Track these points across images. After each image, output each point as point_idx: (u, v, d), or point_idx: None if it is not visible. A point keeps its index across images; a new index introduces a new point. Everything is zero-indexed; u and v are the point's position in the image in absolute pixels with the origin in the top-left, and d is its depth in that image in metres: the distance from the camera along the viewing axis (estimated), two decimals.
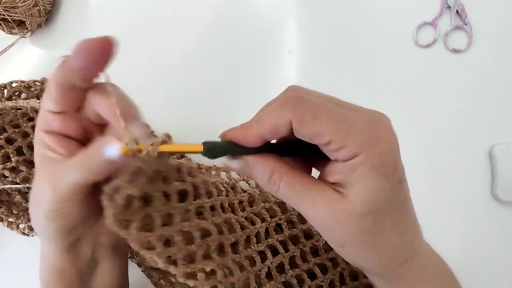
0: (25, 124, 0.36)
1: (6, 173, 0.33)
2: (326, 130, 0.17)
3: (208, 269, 0.22)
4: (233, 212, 0.30)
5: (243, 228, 0.29)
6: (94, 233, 0.24)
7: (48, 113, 0.21)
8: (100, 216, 0.23)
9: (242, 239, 0.28)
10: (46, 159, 0.22)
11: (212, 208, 0.26)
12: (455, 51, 0.37)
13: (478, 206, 0.34)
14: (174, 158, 0.38)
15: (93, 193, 0.22)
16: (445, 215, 0.35)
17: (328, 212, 0.18)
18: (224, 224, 0.26)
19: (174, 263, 0.21)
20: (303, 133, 0.18)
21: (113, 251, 0.26)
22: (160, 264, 0.20)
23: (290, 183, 0.19)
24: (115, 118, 0.20)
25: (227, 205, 0.29)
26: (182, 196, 0.24)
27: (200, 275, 0.22)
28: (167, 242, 0.21)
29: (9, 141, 0.35)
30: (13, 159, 0.33)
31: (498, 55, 0.36)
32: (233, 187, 0.33)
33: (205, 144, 0.19)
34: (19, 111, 0.36)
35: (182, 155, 0.39)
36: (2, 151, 0.34)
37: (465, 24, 0.37)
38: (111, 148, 0.19)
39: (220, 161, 0.35)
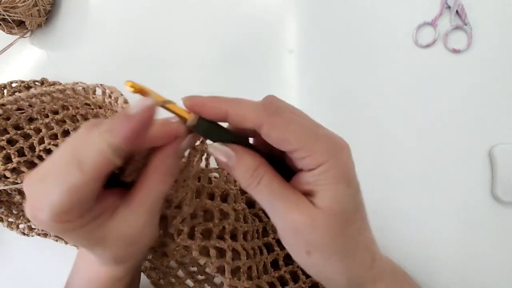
0: (27, 127, 0.36)
1: (7, 174, 0.33)
2: (294, 138, 0.18)
3: (220, 248, 0.24)
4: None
5: (252, 221, 0.31)
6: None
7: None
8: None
9: (251, 231, 0.29)
10: (100, 228, 0.19)
11: (235, 196, 0.28)
12: (455, 51, 0.37)
13: (478, 206, 0.34)
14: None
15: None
16: (445, 215, 0.35)
17: (300, 215, 0.19)
18: (242, 212, 0.28)
19: (191, 236, 0.22)
20: (273, 137, 0.19)
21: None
22: (184, 233, 0.22)
23: (271, 181, 0.20)
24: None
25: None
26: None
27: (212, 252, 0.23)
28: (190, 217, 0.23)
29: (10, 142, 0.35)
30: (14, 160, 0.33)
31: (498, 55, 0.36)
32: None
33: (200, 118, 0.20)
34: (23, 114, 0.36)
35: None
36: (4, 152, 0.34)
37: (465, 24, 0.37)
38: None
39: None
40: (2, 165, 0.33)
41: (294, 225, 0.19)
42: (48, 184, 0.17)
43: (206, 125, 0.20)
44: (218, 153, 0.20)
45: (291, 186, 0.21)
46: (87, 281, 0.24)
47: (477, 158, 0.35)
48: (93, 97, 0.38)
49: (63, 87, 0.35)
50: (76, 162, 0.16)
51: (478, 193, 0.34)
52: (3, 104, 0.34)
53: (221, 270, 0.24)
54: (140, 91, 0.18)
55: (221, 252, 0.24)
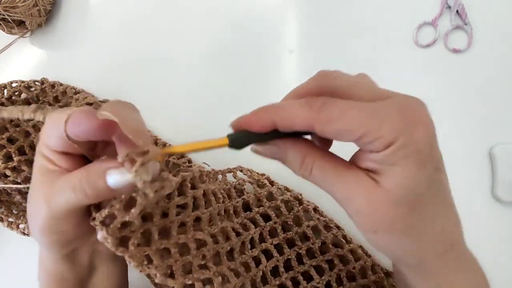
0: (26, 124, 0.36)
1: (8, 172, 0.33)
2: (357, 125, 0.16)
3: (204, 278, 0.22)
4: (228, 218, 0.30)
5: (238, 235, 0.29)
6: (91, 243, 0.24)
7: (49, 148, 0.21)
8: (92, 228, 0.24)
9: (237, 246, 0.28)
10: (45, 170, 0.21)
11: (210, 218, 0.26)
12: (455, 51, 0.37)
13: (478, 206, 0.34)
14: (174, 159, 0.38)
15: (88, 210, 0.22)
16: None
17: (362, 198, 0.18)
18: (220, 233, 0.26)
19: (172, 275, 0.21)
20: (329, 133, 0.17)
21: (111, 256, 0.26)
22: (158, 278, 0.20)
23: (323, 167, 0.19)
24: (128, 141, 0.18)
25: (223, 212, 0.29)
26: (180, 205, 0.24)
27: (198, 285, 0.22)
28: (164, 256, 0.21)
29: (11, 140, 0.35)
30: (15, 159, 0.33)
31: (498, 55, 0.36)
32: (228, 193, 0.33)
33: (229, 136, 0.19)
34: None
35: (182, 155, 0.39)
36: (4, 150, 0.34)
37: (465, 24, 0.37)
38: (114, 176, 0.18)
39: (223, 163, 0.35)
40: (2, 163, 0.33)
41: (356, 207, 0.18)
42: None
43: (240, 137, 0.19)
44: (264, 154, 0.20)
45: (350, 164, 0.19)
46: (39, 265, 0.25)
47: (477, 158, 0.35)
48: (76, 100, 0.39)
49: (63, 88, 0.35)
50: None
51: (478, 193, 0.34)
52: (2, 103, 0.34)
53: None
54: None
55: (207, 281, 0.23)
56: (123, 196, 0.19)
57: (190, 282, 0.22)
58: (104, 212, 0.19)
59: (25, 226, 0.38)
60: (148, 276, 0.37)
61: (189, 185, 0.24)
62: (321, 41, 0.41)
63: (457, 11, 0.37)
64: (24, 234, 0.38)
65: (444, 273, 0.20)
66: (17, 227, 0.38)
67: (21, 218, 0.39)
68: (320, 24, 0.41)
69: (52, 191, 0.20)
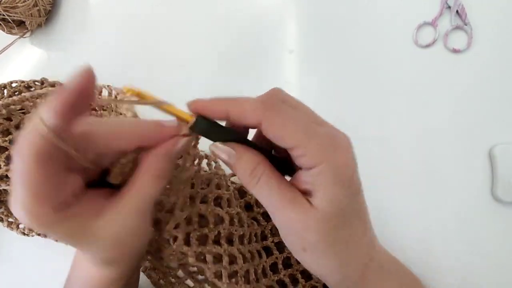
0: None
1: (10, 174, 0.33)
2: (290, 135, 0.19)
3: (216, 253, 0.24)
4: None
5: (249, 225, 0.30)
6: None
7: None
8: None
9: (247, 234, 0.29)
10: (85, 226, 0.19)
11: (228, 200, 0.28)
12: (455, 51, 0.37)
13: (478, 206, 0.34)
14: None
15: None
16: (445, 215, 0.35)
17: (295, 215, 0.19)
18: (236, 216, 0.28)
19: (187, 243, 0.22)
20: (270, 134, 0.19)
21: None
22: (178, 242, 0.22)
23: (270, 179, 0.20)
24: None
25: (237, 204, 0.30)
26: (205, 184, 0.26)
27: (209, 257, 0.23)
28: (185, 223, 0.23)
29: (13, 143, 0.35)
30: None
31: (498, 55, 0.36)
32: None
33: (198, 117, 0.20)
34: (25, 115, 0.36)
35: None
36: (6, 152, 0.34)
37: (465, 24, 0.37)
38: (177, 147, 0.20)
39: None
40: (4, 165, 0.33)
41: (290, 223, 0.20)
42: (13, 186, 0.17)
43: (205, 124, 0.20)
44: (219, 151, 0.21)
45: (291, 183, 0.21)
46: (81, 280, 0.24)
47: (477, 158, 0.35)
48: (99, 98, 0.38)
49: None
50: (18, 152, 0.16)
51: (478, 193, 0.34)
52: (7, 105, 0.34)
53: (218, 275, 0.24)
54: (137, 95, 0.19)
55: (217, 257, 0.24)
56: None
57: (202, 251, 0.23)
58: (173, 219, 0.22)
59: (25, 226, 0.38)
60: (149, 276, 0.37)
61: (214, 163, 0.27)
62: (321, 41, 0.41)
63: (457, 11, 0.37)
64: (24, 234, 0.38)
65: (368, 285, 0.22)
66: (17, 227, 0.38)
67: None
68: (320, 24, 0.41)
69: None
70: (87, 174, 0.20)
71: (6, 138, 0.34)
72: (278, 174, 0.21)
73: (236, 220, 0.27)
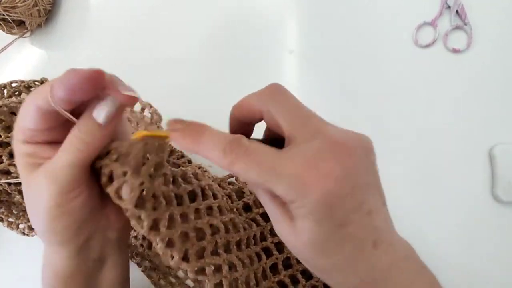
0: None
1: (12, 169, 0.33)
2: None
3: (215, 264, 0.23)
4: (234, 214, 0.30)
5: (244, 229, 0.30)
6: (102, 229, 0.24)
7: (29, 130, 0.20)
8: (106, 210, 0.23)
9: (244, 239, 0.29)
10: (34, 166, 0.20)
11: (218, 208, 0.27)
12: (455, 51, 0.37)
13: (478, 206, 0.34)
14: (175, 159, 0.38)
15: (93, 184, 0.21)
16: (445, 215, 0.35)
17: (284, 231, 0.19)
18: (230, 223, 0.27)
19: (186, 259, 0.22)
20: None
21: (118, 246, 0.26)
22: (175, 260, 0.21)
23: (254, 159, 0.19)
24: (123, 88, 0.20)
25: (228, 208, 0.30)
26: (190, 198, 0.25)
27: (209, 270, 0.23)
28: (182, 239, 0.22)
29: None
30: None
31: (498, 55, 0.36)
32: (230, 195, 0.33)
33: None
34: None
35: (182, 155, 0.39)
36: (9, 148, 0.34)
37: (465, 24, 0.37)
38: (101, 108, 0.19)
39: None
40: (7, 160, 0.33)
41: (281, 235, 0.20)
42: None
43: None
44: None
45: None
46: (45, 268, 0.24)
47: (477, 158, 0.35)
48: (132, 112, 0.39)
49: None
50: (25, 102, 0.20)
51: (478, 193, 0.34)
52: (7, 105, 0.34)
53: (218, 285, 0.23)
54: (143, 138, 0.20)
55: (217, 267, 0.24)
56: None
57: (201, 266, 0.22)
58: (118, 181, 0.19)
59: (25, 226, 0.38)
60: (148, 276, 0.37)
61: (192, 176, 0.25)
62: (321, 41, 0.41)
63: (456, 11, 0.37)
64: (24, 234, 0.38)
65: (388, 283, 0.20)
66: (17, 227, 0.38)
67: (21, 218, 0.39)
68: (320, 24, 0.41)
69: (50, 166, 0.20)
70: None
71: (9, 134, 0.34)
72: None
73: (230, 227, 0.27)
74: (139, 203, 0.20)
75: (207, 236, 0.24)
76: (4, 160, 0.32)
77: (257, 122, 0.23)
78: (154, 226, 0.20)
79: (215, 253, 0.24)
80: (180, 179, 0.25)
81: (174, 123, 0.20)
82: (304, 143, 0.18)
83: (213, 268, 0.23)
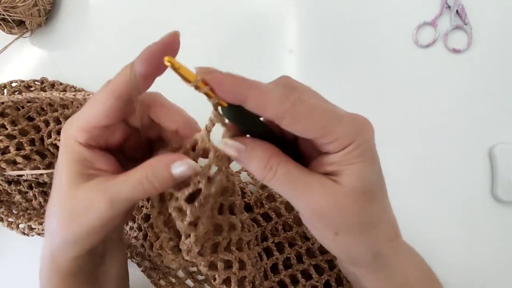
0: (37, 119, 0.37)
1: (19, 159, 0.34)
2: (320, 126, 0.18)
3: (227, 260, 0.24)
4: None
5: (249, 230, 0.30)
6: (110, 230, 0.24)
7: (97, 128, 0.20)
8: None
9: (253, 238, 0.29)
10: (84, 177, 0.20)
11: (240, 206, 0.27)
12: (455, 51, 0.37)
13: (478, 206, 0.34)
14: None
15: None
16: (445, 215, 0.35)
17: (325, 198, 0.19)
18: (245, 222, 0.27)
19: (201, 253, 0.22)
20: (296, 128, 0.18)
21: (118, 242, 0.26)
22: (193, 252, 0.21)
23: (287, 169, 0.19)
24: (187, 130, 0.21)
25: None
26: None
27: (220, 265, 0.23)
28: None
29: (21, 133, 0.36)
30: (26, 148, 0.35)
31: (498, 55, 0.36)
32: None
33: (230, 105, 0.19)
34: (34, 104, 0.36)
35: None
36: (16, 140, 0.35)
37: (465, 24, 0.37)
38: (180, 166, 0.19)
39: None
40: (14, 150, 0.33)
41: (319, 209, 0.19)
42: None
43: (236, 112, 0.19)
44: (229, 149, 0.20)
45: (310, 169, 0.20)
46: (46, 266, 0.24)
47: (477, 158, 0.35)
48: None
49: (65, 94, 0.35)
50: (105, 85, 0.20)
51: (478, 193, 0.34)
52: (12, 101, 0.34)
53: (226, 282, 0.24)
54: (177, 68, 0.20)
55: (227, 264, 0.24)
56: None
57: (214, 260, 0.23)
58: (188, 190, 0.20)
59: (25, 226, 0.38)
60: (148, 276, 0.37)
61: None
62: (321, 41, 0.41)
63: (457, 11, 0.37)
64: (24, 234, 0.38)
65: (395, 260, 0.22)
66: (17, 227, 0.38)
67: (21, 218, 0.39)
68: (320, 24, 0.41)
69: (113, 190, 0.20)
70: (128, 139, 0.23)
71: (15, 128, 0.35)
72: (295, 162, 0.20)
73: (245, 226, 0.27)
74: (189, 199, 0.20)
75: (223, 233, 0.24)
76: (12, 151, 0.33)
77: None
78: (194, 222, 0.21)
79: (227, 249, 0.25)
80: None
81: (235, 144, 0.20)
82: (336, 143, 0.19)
83: (224, 262, 0.23)
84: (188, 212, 0.20)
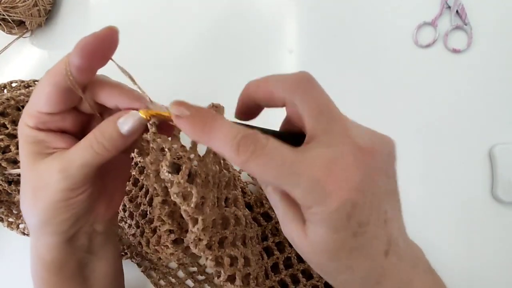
0: None
1: (19, 158, 0.34)
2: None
3: (233, 255, 0.23)
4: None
5: (251, 227, 0.30)
6: (91, 221, 0.24)
7: (42, 114, 0.20)
8: (97, 203, 0.24)
9: (255, 236, 0.29)
10: (41, 155, 0.21)
11: (242, 201, 0.27)
12: (455, 51, 0.37)
13: (478, 206, 0.34)
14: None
15: (95, 180, 0.22)
16: (445, 215, 0.35)
17: (295, 236, 0.19)
18: (248, 217, 0.28)
19: (209, 246, 0.22)
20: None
21: (106, 239, 0.26)
22: (201, 246, 0.21)
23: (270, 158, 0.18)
24: (134, 98, 0.20)
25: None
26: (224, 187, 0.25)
27: (227, 260, 0.23)
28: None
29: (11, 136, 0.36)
30: None
31: (498, 55, 0.36)
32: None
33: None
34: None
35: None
36: (16, 139, 0.35)
37: (465, 24, 0.37)
38: (126, 120, 0.20)
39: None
40: (15, 149, 0.33)
41: (290, 238, 0.19)
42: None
43: None
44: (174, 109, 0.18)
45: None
46: (34, 260, 0.24)
47: (477, 158, 0.35)
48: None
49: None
50: (45, 73, 0.20)
51: (478, 193, 0.34)
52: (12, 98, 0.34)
53: (231, 279, 0.23)
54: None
55: (233, 259, 0.24)
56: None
57: (221, 255, 0.22)
58: (186, 168, 0.19)
59: (25, 226, 0.38)
60: (148, 276, 0.37)
61: (229, 165, 0.26)
62: (321, 41, 0.41)
63: (457, 11, 0.37)
64: (24, 234, 0.38)
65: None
66: (17, 227, 0.38)
67: (21, 218, 0.39)
68: (320, 24, 0.41)
69: (65, 159, 0.20)
70: (83, 122, 0.22)
71: (16, 127, 0.35)
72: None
73: (248, 222, 0.27)
74: (189, 180, 0.20)
75: (230, 226, 0.24)
76: (12, 150, 0.33)
77: (274, 107, 0.21)
78: (200, 205, 0.20)
79: (233, 244, 0.24)
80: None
81: (179, 106, 0.18)
82: (328, 146, 0.17)
83: (230, 257, 0.23)
84: (193, 192, 0.19)
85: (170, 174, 0.19)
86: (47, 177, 0.20)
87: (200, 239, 0.21)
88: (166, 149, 0.19)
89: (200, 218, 0.20)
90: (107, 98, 0.21)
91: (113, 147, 0.20)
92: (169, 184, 0.19)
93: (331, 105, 0.19)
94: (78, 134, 0.23)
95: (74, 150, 0.20)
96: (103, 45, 0.19)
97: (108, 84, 0.21)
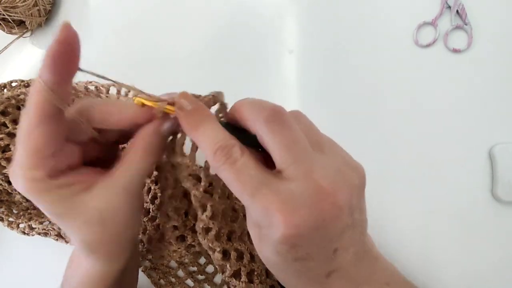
0: None
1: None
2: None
3: (239, 250, 0.23)
4: None
5: None
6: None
7: (46, 158, 0.18)
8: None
9: None
10: (75, 192, 0.19)
11: None
12: (455, 51, 0.37)
13: (478, 206, 0.34)
14: None
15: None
16: (445, 215, 0.35)
17: (252, 236, 0.20)
18: None
19: (218, 238, 0.22)
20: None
21: (135, 246, 0.27)
22: (210, 236, 0.21)
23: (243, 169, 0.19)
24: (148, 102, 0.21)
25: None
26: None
27: (234, 254, 0.23)
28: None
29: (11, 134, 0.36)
30: None
31: (498, 55, 0.36)
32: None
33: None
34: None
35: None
36: (15, 138, 0.34)
37: (465, 24, 0.37)
38: (166, 124, 0.21)
39: None
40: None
41: (252, 236, 0.21)
42: (15, 146, 0.18)
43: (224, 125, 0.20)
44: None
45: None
46: (74, 278, 0.23)
47: (477, 158, 0.35)
48: (107, 96, 0.39)
49: (76, 86, 0.35)
50: (24, 112, 0.18)
51: (478, 193, 0.34)
52: (18, 95, 0.34)
53: (236, 275, 0.23)
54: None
55: (239, 254, 0.23)
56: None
57: (228, 248, 0.23)
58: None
59: (25, 225, 0.38)
60: (148, 276, 0.37)
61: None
62: (321, 41, 0.41)
63: (457, 11, 0.37)
64: (24, 233, 0.38)
65: None
66: (18, 226, 0.38)
67: (22, 217, 0.39)
68: (320, 24, 0.41)
69: (122, 180, 0.20)
70: (86, 150, 0.21)
71: (16, 126, 0.35)
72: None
73: None
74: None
75: (239, 220, 0.24)
76: (12, 149, 0.33)
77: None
78: (209, 191, 0.20)
79: (240, 239, 0.24)
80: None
81: (184, 99, 0.20)
82: (290, 181, 0.18)
83: (237, 252, 0.23)
84: (202, 175, 0.20)
85: (181, 158, 0.20)
86: (107, 205, 0.20)
87: (209, 228, 0.21)
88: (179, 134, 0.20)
89: (209, 205, 0.20)
90: (99, 122, 0.21)
91: (158, 154, 0.21)
92: (178, 170, 0.20)
93: (298, 141, 0.19)
94: (79, 166, 0.21)
95: (121, 168, 0.20)
96: (68, 49, 0.19)
97: (100, 104, 0.21)
